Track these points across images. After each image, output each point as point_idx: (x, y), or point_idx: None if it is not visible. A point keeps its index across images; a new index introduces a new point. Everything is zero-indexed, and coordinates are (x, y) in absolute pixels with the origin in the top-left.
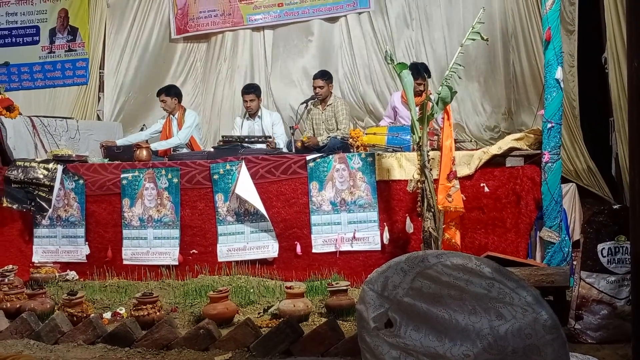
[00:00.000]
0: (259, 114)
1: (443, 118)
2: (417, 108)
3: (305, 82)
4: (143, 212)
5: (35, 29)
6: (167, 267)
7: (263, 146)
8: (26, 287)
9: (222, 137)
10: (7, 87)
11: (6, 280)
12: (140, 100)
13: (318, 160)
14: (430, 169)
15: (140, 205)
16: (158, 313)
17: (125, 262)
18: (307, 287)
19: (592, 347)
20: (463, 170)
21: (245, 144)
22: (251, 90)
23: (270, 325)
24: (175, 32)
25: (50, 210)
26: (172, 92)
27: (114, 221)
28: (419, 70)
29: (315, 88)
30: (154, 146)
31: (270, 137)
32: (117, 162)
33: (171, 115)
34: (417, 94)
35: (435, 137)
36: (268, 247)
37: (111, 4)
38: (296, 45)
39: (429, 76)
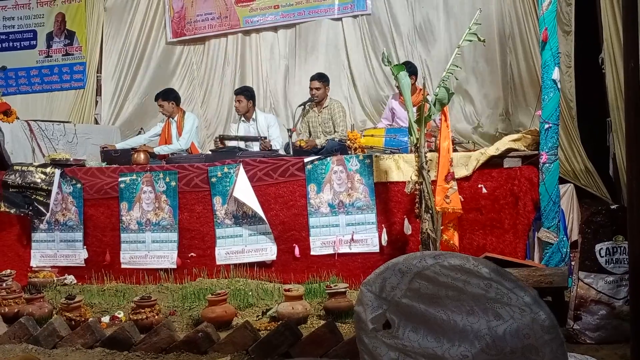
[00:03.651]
0: (254, 116)
1: (440, 119)
2: (415, 109)
3: (302, 84)
4: (141, 215)
5: (32, 34)
6: (166, 270)
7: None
8: (24, 292)
9: (220, 136)
10: (5, 92)
11: (4, 284)
12: (137, 103)
13: (316, 162)
14: (428, 171)
15: (138, 208)
16: (156, 316)
17: (123, 266)
18: (305, 289)
19: (591, 348)
20: (461, 172)
21: (243, 148)
22: (238, 91)
23: (269, 328)
24: (171, 36)
25: (48, 214)
26: (169, 96)
27: (112, 225)
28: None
29: (311, 90)
30: (157, 150)
31: (265, 138)
32: (114, 165)
33: (170, 119)
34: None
35: (433, 139)
36: (266, 249)
37: (108, 8)
38: (293, 47)
39: (415, 73)
